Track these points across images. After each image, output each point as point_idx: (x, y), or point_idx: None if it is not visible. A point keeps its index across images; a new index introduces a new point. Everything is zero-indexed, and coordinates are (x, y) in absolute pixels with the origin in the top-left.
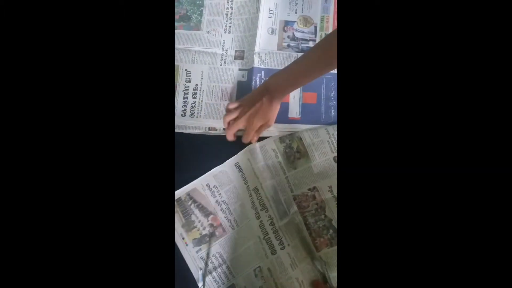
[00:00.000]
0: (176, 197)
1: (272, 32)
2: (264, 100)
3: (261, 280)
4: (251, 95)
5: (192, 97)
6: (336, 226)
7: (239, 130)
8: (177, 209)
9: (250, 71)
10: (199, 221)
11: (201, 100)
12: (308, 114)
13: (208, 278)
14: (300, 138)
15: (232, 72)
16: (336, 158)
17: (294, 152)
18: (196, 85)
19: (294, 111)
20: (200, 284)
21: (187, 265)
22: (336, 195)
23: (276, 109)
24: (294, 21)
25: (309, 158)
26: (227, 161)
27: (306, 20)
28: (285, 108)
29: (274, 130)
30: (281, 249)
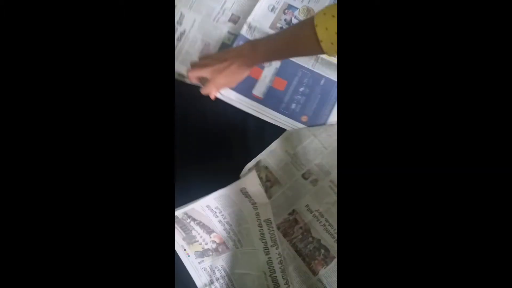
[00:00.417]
0: None
1: (272, 9)
2: (234, 63)
3: None
4: (224, 52)
5: (176, 39)
6: (326, 245)
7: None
8: (176, 225)
9: (236, 37)
10: (201, 237)
11: (183, 46)
12: (271, 98)
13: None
14: (266, 167)
15: (220, 32)
16: (304, 175)
17: (265, 182)
18: (184, 30)
19: (260, 90)
20: None
21: (189, 274)
22: (315, 213)
23: (243, 74)
24: (297, 8)
25: (280, 183)
26: (231, 185)
27: (309, 11)
28: (252, 83)
29: (234, 98)
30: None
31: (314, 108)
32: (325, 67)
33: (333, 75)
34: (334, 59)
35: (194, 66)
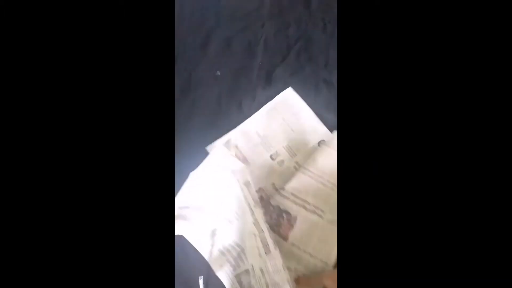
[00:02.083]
0: None
1: None
2: None
3: (253, 279)
4: None
5: None
6: (286, 210)
7: None
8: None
9: None
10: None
11: None
12: None
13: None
14: (236, 146)
15: None
16: (272, 156)
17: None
18: None
19: None
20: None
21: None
22: (279, 190)
23: None
24: None
25: (249, 162)
26: (203, 163)
27: None
28: None
29: None
30: (275, 248)
31: None
32: None
33: None
34: None
35: None
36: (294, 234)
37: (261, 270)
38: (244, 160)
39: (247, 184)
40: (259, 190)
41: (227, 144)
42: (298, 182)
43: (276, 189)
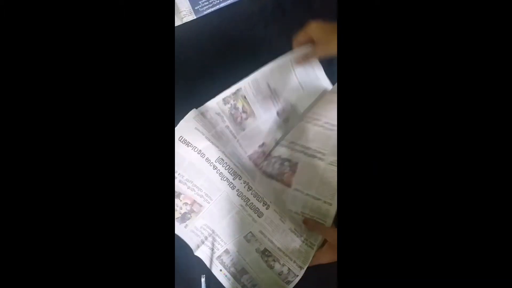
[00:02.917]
0: None
1: None
2: None
3: (256, 243)
4: None
5: None
6: (287, 158)
7: None
8: None
9: None
10: None
11: None
12: None
13: (202, 248)
14: (245, 96)
15: None
16: (279, 112)
17: (241, 113)
18: None
19: None
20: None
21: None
22: (282, 143)
23: None
24: None
25: (256, 116)
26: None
27: None
28: None
29: None
30: (266, 209)
31: None
32: None
33: None
34: None
35: None
36: (297, 179)
37: (261, 233)
38: (251, 113)
39: (219, 160)
40: (262, 145)
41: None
42: (297, 131)
43: (277, 142)
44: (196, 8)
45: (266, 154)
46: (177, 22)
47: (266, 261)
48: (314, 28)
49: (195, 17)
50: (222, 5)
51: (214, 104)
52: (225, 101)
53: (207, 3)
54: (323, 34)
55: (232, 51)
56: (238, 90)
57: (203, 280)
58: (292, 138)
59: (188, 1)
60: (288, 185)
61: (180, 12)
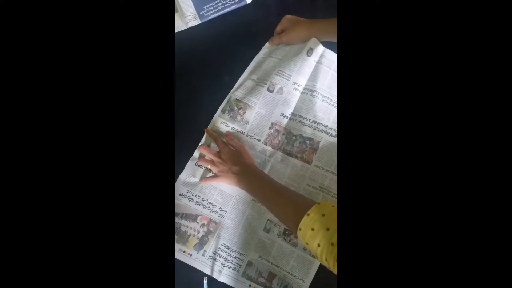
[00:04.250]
0: None
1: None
2: (229, 176)
3: (276, 228)
4: (232, 161)
5: None
6: (308, 136)
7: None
8: None
9: None
10: (191, 228)
11: None
12: None
13: (224, 271)
14: (236, 99)
15: None
16: (269, 88)
17: (237, 111)
18: None
19: None
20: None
21: (198, 272)
22: (290, 116)
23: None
24: None
25: (251, 106)
26: (187, 165)
27: None
28: None
29: None
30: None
31: None
32: None
33: None
34: None
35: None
36: (317, 157)
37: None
38: (246, 106)
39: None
40: (272, 125)
41: (229, 102)
42: (319, 110)
43: (286, 117)
44: (201, 13)
45: (280, 131)
46: (182, 27)
47: (289, 241)
48: (286, 21)
49: (199, 22)
50: (226, 10)
51: (217, 117)
52: (223, 111)
53: (212, 8)
54: (290, 25)
55: (236, 56)
56: (229, 99)
57: (205, 282)
58: (314, 117)
59: (193, 6)
60: (309, 162)
61: (185, 17)
